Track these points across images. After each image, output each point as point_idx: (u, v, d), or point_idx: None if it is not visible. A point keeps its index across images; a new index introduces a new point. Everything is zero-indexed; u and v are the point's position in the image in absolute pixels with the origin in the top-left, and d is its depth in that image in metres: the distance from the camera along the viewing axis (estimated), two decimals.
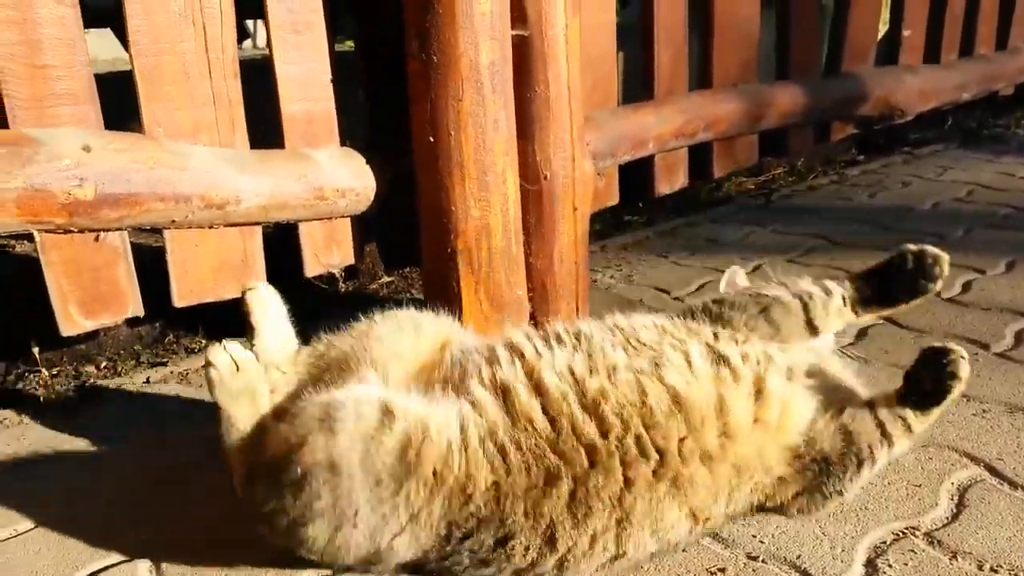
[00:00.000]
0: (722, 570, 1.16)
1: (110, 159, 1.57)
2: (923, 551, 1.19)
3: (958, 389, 1.12)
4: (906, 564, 1.17)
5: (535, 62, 1.82)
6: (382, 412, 1.07)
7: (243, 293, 1.36)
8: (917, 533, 1.22)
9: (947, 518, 1.26)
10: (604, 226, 2.89)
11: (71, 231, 1.57)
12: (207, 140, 1.73)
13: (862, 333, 1.87)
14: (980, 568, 1.14)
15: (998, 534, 1.21)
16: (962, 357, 1.11)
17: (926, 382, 1.13)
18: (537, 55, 1.81)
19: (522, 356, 1.18)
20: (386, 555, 1.08)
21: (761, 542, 1.22)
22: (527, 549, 1.05)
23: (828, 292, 1.29)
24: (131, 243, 1.71)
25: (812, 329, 1.26)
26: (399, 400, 1.11)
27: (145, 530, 1.32)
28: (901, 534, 1.23)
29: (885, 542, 1.21)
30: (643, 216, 3.00)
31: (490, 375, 1.15)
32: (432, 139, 1.76)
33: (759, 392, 1.13)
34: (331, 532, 1.05)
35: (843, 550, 1.19)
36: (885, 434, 1.14)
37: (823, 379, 1.18)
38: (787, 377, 1.15)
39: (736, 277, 1.50)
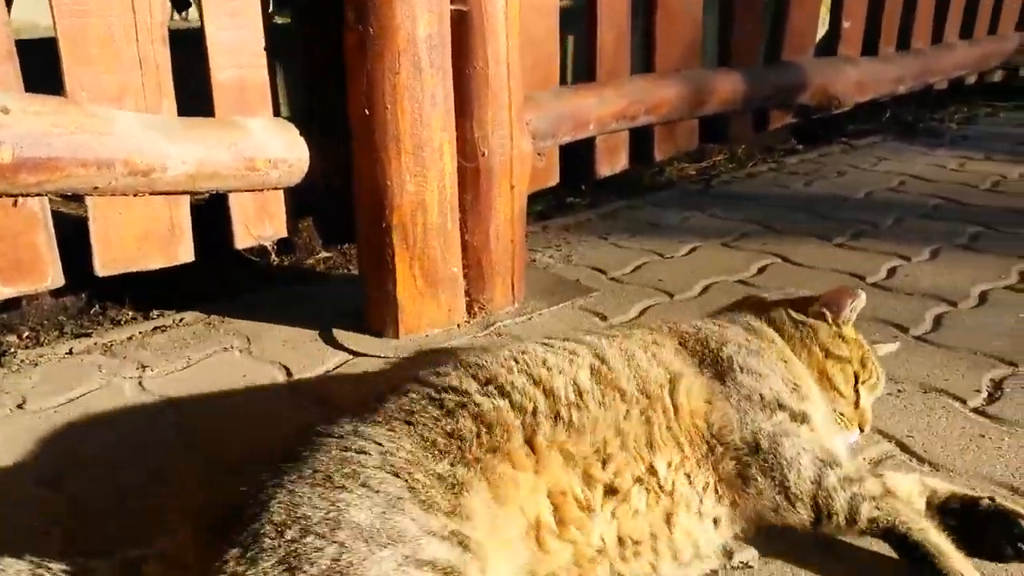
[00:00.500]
0: None
1: (29, 122, 1.52)
2: None
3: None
4: None
5: (474, 38, 1.81)
6: None
7: None
8: None
9: None
10: (547, 207, 2.91)
11: None
12: (133, 105, 1.68)
13: None
14: None
15: None
16: None
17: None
18: (476, 31, 1.80)
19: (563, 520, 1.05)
20: None
21: None
22: None
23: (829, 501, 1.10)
24: (56, 212, 1.65)
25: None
26: None
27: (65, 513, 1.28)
28: None
29: None
30: (586, 199, 3.02)
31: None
32: (368, 112, 1.74)
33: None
34: None
35: None
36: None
37: None
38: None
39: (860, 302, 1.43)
